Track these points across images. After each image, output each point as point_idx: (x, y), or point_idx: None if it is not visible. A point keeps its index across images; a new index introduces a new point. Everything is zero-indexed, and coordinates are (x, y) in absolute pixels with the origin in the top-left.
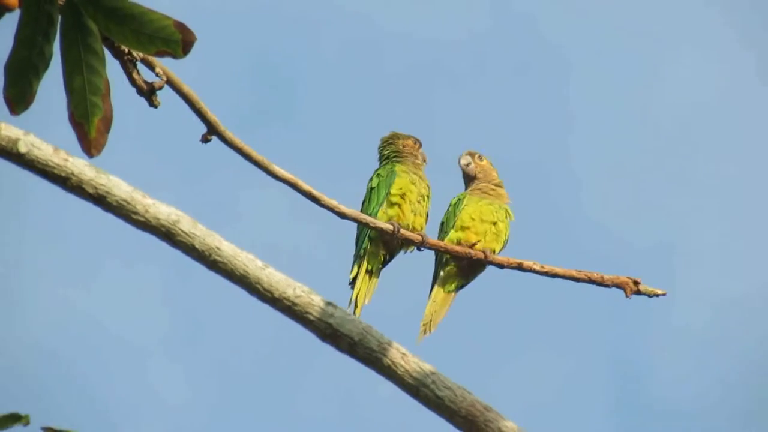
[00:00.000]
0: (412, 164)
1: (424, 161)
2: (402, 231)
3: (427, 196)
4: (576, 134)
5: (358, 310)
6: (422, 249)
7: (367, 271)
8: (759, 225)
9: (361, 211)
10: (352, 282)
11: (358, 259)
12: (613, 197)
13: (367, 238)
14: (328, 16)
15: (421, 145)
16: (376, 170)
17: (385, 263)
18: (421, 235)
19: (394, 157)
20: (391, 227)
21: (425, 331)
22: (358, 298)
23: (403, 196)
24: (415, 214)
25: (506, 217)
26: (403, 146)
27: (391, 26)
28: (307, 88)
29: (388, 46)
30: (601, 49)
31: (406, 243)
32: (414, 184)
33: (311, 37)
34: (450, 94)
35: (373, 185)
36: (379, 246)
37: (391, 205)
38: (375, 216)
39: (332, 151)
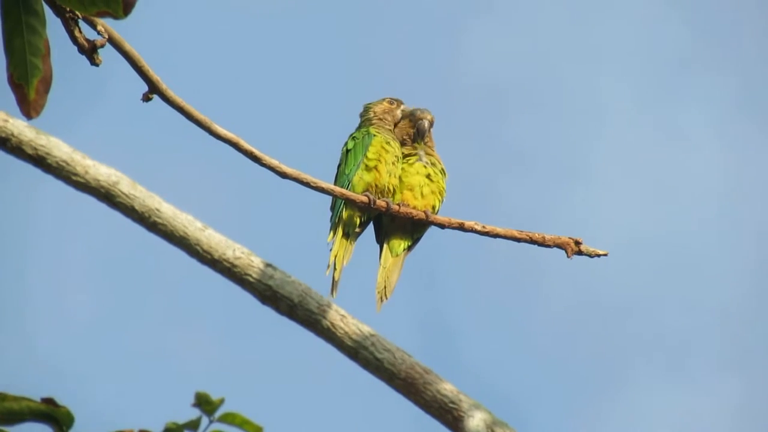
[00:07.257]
0: (385, 128)
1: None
2: (378, 202)
3: (400, 158)
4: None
5: (337, 273)
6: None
7: (344, 235)
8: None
9: (337, 174)
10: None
11: (334, 224)
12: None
13: (342, 203)
14: None
15: (399, 104)
16: (352, 134)
17: (362, 225)
18: (387, 202)
19: (367, 120)
20: (366, 199)
21: (381, 298)
22: (336, 260)
23: (379, 159)
24: (390, 176)
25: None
26: (374, 114)
27: None
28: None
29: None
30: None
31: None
32: (389, 144)
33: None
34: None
35: (349, 147)
36: (355, 210)
37: (368, 169)
38: (352, 179)
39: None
